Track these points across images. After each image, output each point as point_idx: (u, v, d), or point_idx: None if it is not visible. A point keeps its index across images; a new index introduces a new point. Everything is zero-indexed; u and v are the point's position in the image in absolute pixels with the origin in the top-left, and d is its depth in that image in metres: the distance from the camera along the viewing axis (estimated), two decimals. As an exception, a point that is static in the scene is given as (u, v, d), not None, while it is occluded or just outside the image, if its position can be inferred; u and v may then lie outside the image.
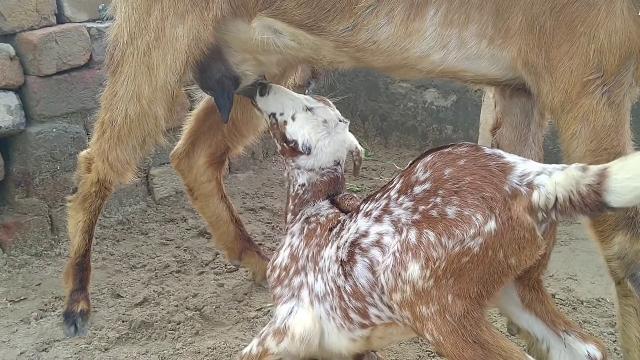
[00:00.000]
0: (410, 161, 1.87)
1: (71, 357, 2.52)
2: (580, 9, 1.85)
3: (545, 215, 1.64)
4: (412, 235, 1.69)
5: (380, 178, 4.11)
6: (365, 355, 2.19)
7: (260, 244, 3.21)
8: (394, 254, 1.72)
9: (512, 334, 2.27)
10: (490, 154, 1.72)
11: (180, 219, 3.63)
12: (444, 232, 1.64)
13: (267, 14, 2.12)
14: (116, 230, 3.50)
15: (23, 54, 3.17)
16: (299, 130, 2.10)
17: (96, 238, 3.13)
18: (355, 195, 2.18)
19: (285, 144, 2.13)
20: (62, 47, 3.24)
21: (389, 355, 2.40)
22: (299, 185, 2.13)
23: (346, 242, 1.87)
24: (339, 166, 2.14)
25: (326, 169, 2.11)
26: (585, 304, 2.83)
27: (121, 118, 2.35)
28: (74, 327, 2.65)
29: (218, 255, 3.22)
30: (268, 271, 2.12)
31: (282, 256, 2.08)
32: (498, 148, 2.10)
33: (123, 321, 2.70)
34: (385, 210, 1.79)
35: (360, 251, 1.82)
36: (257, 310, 2.80)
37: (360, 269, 1.82)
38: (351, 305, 1.87)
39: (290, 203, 2.17)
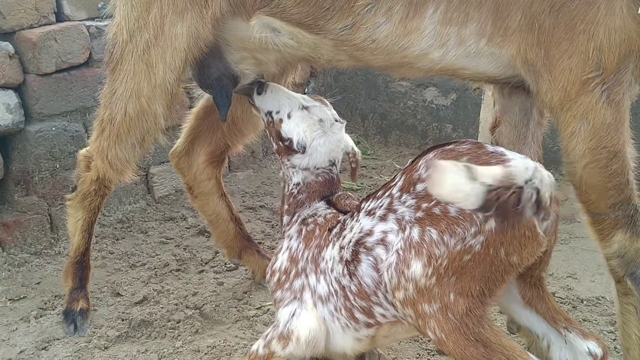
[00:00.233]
0: (412, 159, 1.87)
1: (71, 355, 2.52)
2: (580, 7, 1.85)
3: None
4: (415, 233, 1.69)
5: (380, 177, 4.11)
6: (366, 353, 2.18)
7: (259, 243, 3.21)
8: (397, 251, 1.72)
9: (511, 332, 2.27)
10: (492, 152, 1.73)
11: (179, 218, 3.63)
12: (446, 229, 1.64)
13: (266, 13, 2.12)
14: (116, 228, 3.50)
15: (22, 53, 3.17)
16: (294, 128, 2.09)
17: (96, 236, 3.13)
18: (351, 194, 2.18)
19: (280, 143, 2.13)
20: (62, 46, 3.24)
21: (388, 354, 2.40)
22: (294, 185, 2.13)
23: (350, 241, 1.86)
24: (334, 167, 2.13)
25: (321, 169, 2.11)
26: (585, 302, 2.83)
27: (120, 116, 2.35)
28: (74, 326, 2.65)
29: (218, 254, 3.22)
30: (267, 275, 2.11)
31: (281, 259, 2.07)
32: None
33: (123, 320, 2.70)
34: (390, 209, 1.78)
35: (365, 250, 1.82)
36: (256, 308, 2.80)
37: (365, 268, 1.82)
38: (356, 305, 1.86)
39: (285, 203, 2.16)
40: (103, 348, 2.55)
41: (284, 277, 2.04)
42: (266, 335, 2.01)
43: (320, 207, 2.10)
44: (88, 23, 3.37)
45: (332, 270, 1.91)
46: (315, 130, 2.09)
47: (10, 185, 3.23)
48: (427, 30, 2.00)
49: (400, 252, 1.71)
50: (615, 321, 2.43)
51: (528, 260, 1.68)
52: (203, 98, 2.79)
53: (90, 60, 3.38)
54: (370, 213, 1.85)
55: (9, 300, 2.89)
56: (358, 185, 3.96)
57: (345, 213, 2.01)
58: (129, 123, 2.35)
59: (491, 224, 1.61)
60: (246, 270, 3.06)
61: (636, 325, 2.07)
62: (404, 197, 1.77)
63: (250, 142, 2.94)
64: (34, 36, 3.16)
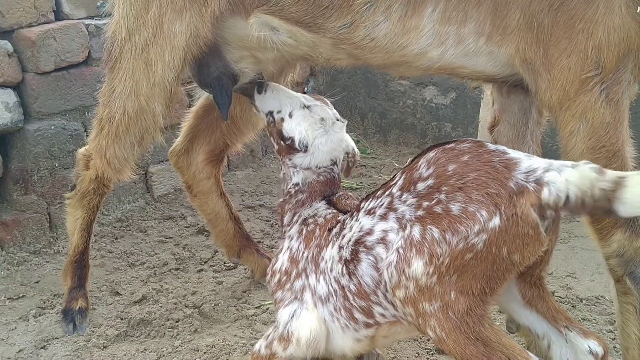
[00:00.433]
0: (412, 157, 1.86)
1: (70, 354, 2.52)
2: (579, 6, 1.84)
3: (554, 213, 1.63)
4: (416, 231, 1.69)
5: (380, 176, 4.11)
6: (365, 353, 2.18)
7: (259, 242, 3.21)
8: (397, 250, 1.72)
9: (511, 331, 2.27)
10: (494, 150, 1.72)
11: (179, 217, 3.63)
12: (448, 228, 1.64)
13: (264, 11, 2.12)
14: (115, 227, 3.49)
15: (21, 51, 3.16)
16: (295, 127, 2.09)
17: (95, 235, 3.13)
18: (351, 194, 2.17)
19: (282, 142, 2.12)
20: (61, 44, 3.24)
21: (387, 353, 2.40)
22: (293, 184, 2.11)
23: (349, 240, 1.86)
24: (335, 166, 2.12)
25: (322, 168, 2.10)
26: (584, 301, 2.83)
27: (119, 114, 2.35)
28: (73, 325, 2.64)
29: (217, 253, 3.22)
30: (268, 276, 2.10)
31: (282, 260, 2.06)
32: (497, 145, 2.10)
33: (122, 319, 2.70)
34: (390, 208, 1.78)
35: (364, 249, 1.82)
36: (255, 307, 2.80)
37: (364, 267, 1.82)
38: (356, 305, 1.86)
39: (285, 204, 2.15)
40: (102, 347, 2.55)
41: (284, 277, 2.03)
42: (267, 336, 2.01)
43: (321, 207, 2.09)
44: (87, 22, 3.37)
45: (331, 270, 1.91)
46: (317, 129, 2.08)
47: (9, 184, 3.22)
48: (426, 29, 1.99)
49: (401, 251, 1.71)
50: (614, 320, 2.44)
51: (529, 259, 1.68)
52: (202, 97, 2.79)
53: (89, 59, 3.37)
54: (370, 212, 1.84)
55: (8, 299, 2.89)
56: (357, 184, 3.96)
57: (345, 213, 2.01)
58: (128, 122, 2.35)
59: (495, 221, 1.61)
60: (245, 269, 3.06)
61: (635, 324, 2.06)
62: (404, 196, 1.76)
63: (250, 141, 2.94)
64: (32, 35, 3.15)
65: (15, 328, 2.69)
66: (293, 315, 1.96)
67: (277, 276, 2.05)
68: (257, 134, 2.92)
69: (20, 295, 2.92)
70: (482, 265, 1.64)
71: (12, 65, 3.13)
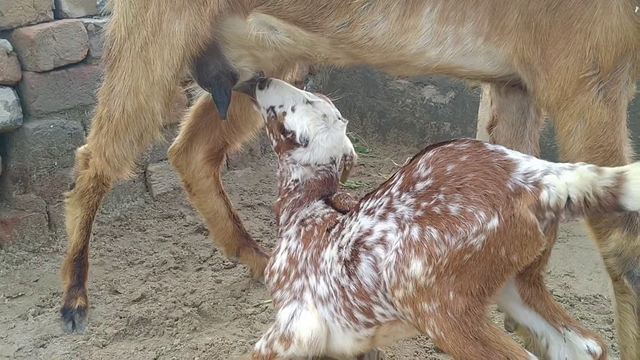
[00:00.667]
0: (411, 157, 1.87)
1: (69, 353, 2.52)
2: (577, 6, 1.85)
3: (554, 215, 1.64)
4: (415, 232, 1.69)
5: (379, 175, 4.11)
6: (366, 352, 2.18)
7: (258, 241, 3.21)
8: (396, 250, 1.72)
9: (509, 330, 2.27)
10: (492, 150, 1.72)
11: (178, 216, 3.63)
12: (447, 229, 1.64)
13: (263, 10, 2.12)
14: (114, 226, 3.50)
15: (20, 50, 3.16)
16: (297, 121, 2.07)
17: (94, 234, 3.13)
18: (349, 194, 2.17)
19: (282, 136, 2.11)
20: (60, 43, 3.24)
21: (387, 352, 2.41)
22: (292, 181, 2.10)
23: (349, 241, 1.86)
24: (334, 165, 2.11)
25: (321, 166, 2.09)
26: (582, 300, 2.83)
27: (118, 113, 2.35)
28: (72, 324, 2.65)
29: (216, 252, 3.22)
30: (266, 276, 2.10)
31: (280, 260, 2.06)
32: (495, 145, 2.10)
33: (121, 317, 2.70)
34: (389, 208, 1.78)
35: (364, 250, 1.82)
36: (254, 306, 2.80)
37: (364, 268, 1.82)
38: (356, 305, 1.86)
39: (282, 202, 2.14)
40: (101, 346, 2.55)
41: (283, 277, 2.03)
42: (268, 335, 2.01)
43: (318, 206, 2.08)
44: (86, 20, 3.37)
45: (331, 271, 1.91)
46: (319, 125, 2.07)
47: (9, 182, 3.22)
48: (424, 28, 1.99)
49: (400, 251, 1.71)
50: (612, 319, 2.44)
51: (528, 260, 1.68)
52: (201, 96, 2.79)
53: (88, 58, 3.37)
54: (369, 212, 1.84)
55: (7, 297, 2.89)
56: (356, 184, 3.96)
57: (343, 213, 2.01)
58: (127, 120, 2.35)
59: (494, 222, 1.62)
60: (244, 268, 3.06)
61: (633, 323, 2.07)
62: (403, 196, 1.76)
63: (249, 140, 2.94)
64: (32, 33, 3.15)
65: (14, 327, 2.70)
66: (293, 316, 1.95)
67: (276, 276, 2.05)
68: (256, 133, 2.92)
69: (20, 293, 2.92)
70: (481, 265, 1.64)
71: (11, 64, 3.13)
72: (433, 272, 1.66)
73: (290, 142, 2.09)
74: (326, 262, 1.93)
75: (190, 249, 3.29)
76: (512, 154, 1.71)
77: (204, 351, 2.49)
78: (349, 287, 1.86)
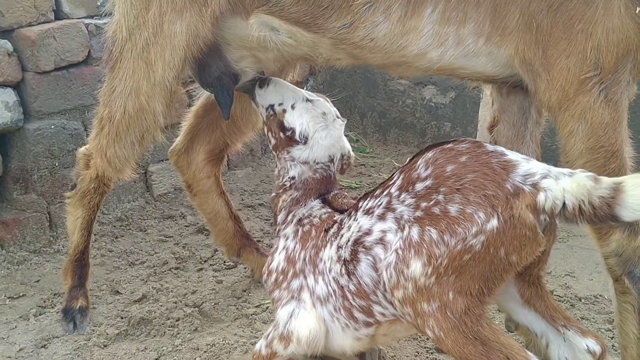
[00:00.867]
0: (410, 157, 1.87)
1: (70, 353, 2.52)
2: (578, 6, 1.85)
3: (548, 219, 1.65)
4: (415, 232, 1.69)
5: (379, 175, 4.11)
6: (366, 351, 2.18)
7: (258, 241, 3.21)
8: (396, 251, 1.72)
9: (509, 330, 2.27)
10: (492, 151, 1.73)
11: (178, 216, 3.63)
12: (447, 229, 1.65)
13: (264, 11, 2.12)
14: (115, 227, 3.50)
15: (21, 50, 3.17)
16: (297, 118, 2.08)
17: (95, 235, 3.13)
18: (346, 193, 2.17)
19: (281, 133, 2.11)
20: (60, 44, 3.24)
21: (387, 352, 2.41)
22: (289, 178, 2.10)
23: (348, 240, 1.86)
24: (332, 164, 2.11)
25: (320, 165, 2.09)
26: (583, 300, 2.83)
27: (120, 114, 2.35)
28: (73, 324, 2.65)
29: (217, 252, 3.22)
30: (264, 276, 2.10)
31: (278, 260, 2.06)
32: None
33: (122, 318, 2.70)
34: (389, 208, 1.78)
35: (363, 249, 1.82)
36: (255, 306, 2.80)
37: (364, 268, 1.82)
38: (355, 305, 1.86)
39: (278, 197, 2.14)
40: (102, 346, 2.55)
41: (281, 277, 2.03)
42: (267, 335, 2.02)
43: (316, 206, 2.08)
44: (87, 21, 3.37)
45: (330, 270, 1.91)
46: (318, 123, 2.08)
47: (9, 183, 3.23)
48: (426, 29, 2.00)
49: (400, 252, 1.71)
50: (613, 319, 2.44)
51: (527, 260, 1.69)
52: (202, 96, 2.79)
53: (89, 59, 3.37)
54: (368, 212, 1.85)
55: (8, 298, 2.89)
56: (357, 184, 3.96)
57: (341, 212, 2.01)
58: (128, 121, 2.36)
59: (493, 223, 1.62)
60: (245, 268, 3.06)
61: (633, 323, 2.07)
62: (402, 196, 1.77)
63: (249, 140, 2.95)
64: (32, 34, 3.15)
65: (15, 327, 2.70)
66: (292, 315, 1.96)
67: (274, 275, 2.05)
68: (257, 134, 2.92)
69: (21, 294, 2.93)
70: (480, 266, 1.65)
71: (12, 65, 3.13)
72: (433, 273, 1.66)
73: (289, 139, 2.10)
74: (325, 262, 1.93)
75: (191, 249, 3.29)
76: (512, 155, 1.72)
77: (205, 351, 2.49)
78: (348, 286, 1.86)
